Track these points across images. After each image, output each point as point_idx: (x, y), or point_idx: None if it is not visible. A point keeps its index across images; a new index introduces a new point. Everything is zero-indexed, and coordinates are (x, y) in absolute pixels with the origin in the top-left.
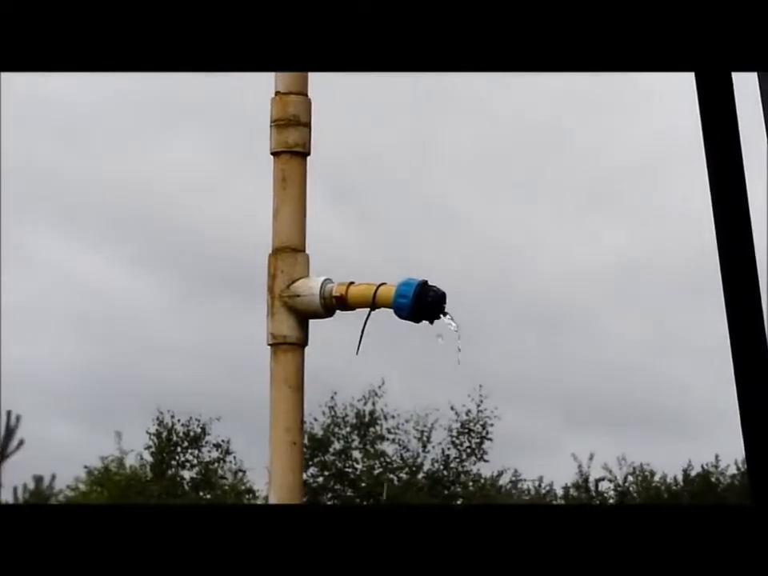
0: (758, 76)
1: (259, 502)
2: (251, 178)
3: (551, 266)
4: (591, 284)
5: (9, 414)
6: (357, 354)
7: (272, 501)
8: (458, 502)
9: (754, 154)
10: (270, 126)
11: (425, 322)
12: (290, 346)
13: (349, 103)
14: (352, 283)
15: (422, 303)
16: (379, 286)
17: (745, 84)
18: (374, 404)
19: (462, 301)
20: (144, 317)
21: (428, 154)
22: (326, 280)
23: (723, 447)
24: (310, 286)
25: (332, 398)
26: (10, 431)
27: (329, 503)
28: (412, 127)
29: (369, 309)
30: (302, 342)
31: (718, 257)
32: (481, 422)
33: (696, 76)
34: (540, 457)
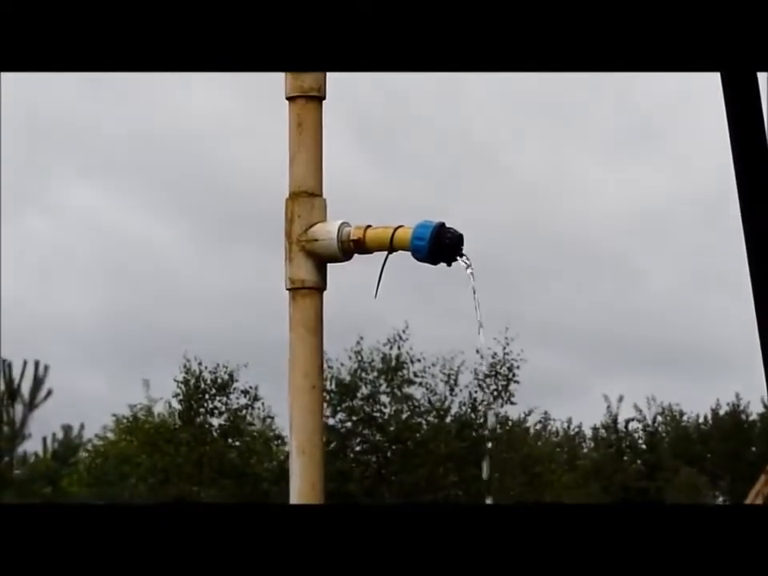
0: None
1: (287, 448)
2: (271, 123)
3: (583, 208)
4: (623, 226)
5: (37, 364)
6: (375, 297)
7: (292, 445)
8: (488, 445)
9: None
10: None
11: (442, 264)
12: (309, 291)
13: None
14: (369, 226)
15: (440, 245)
16: (396, 228)
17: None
18: (399, 348)
19: (491, 243)
20: (168, 264)
21: (456, 96)
22: (343, 223)
23: (752, 385)
24: (328, 230)
25: (358, 342)
26: (38, 381)
27: (325, 503)
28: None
29: (386, 252)
30: (321, 286)
31: (746, 255)
32: (507, 365)
33: (722, 76)
34: (569, 398)
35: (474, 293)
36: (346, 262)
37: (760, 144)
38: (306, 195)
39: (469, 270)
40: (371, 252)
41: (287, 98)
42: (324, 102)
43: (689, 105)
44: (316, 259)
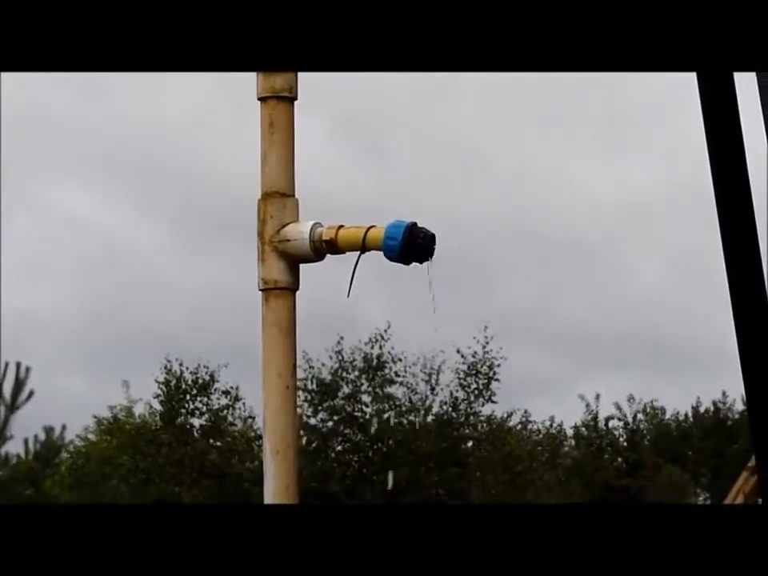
0: (757, 75)
1: None
2: (244, 123)
3: (566, 204)
4: (606, 222)
5: (18, 365)
6: (348, 297)
7: (266, 445)
8: (469, 444)
9: (751, 150)
10: (257, 72)
11: (415, 264)
12: (281, 291)
13: None
14: (341, 226)
15: (412, 245)
16: (369, 228)
17: (742, 82)
18: (380, 347)
19: (471, 239)
20: (146, 265)
21: (433, 92)
22: (315, 224)
23: (734, 383)
24: (300, 231)
25: (338, 342)
26: (19, 383)
27: (323, 504)
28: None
29: (359, 252)
30: (293, 287)
31: (722, 253)
32: (487, 363)
33: (698, 76)
34: (552, 396)
35: (431, 293)
36: (319, 263)
37: (736, 143)
38: (279, 196)
39: (429, 273)
40: (344, 252)
41: (259, 99)
42: (296, 102)
43: (675, 98)
44: (289, 260)
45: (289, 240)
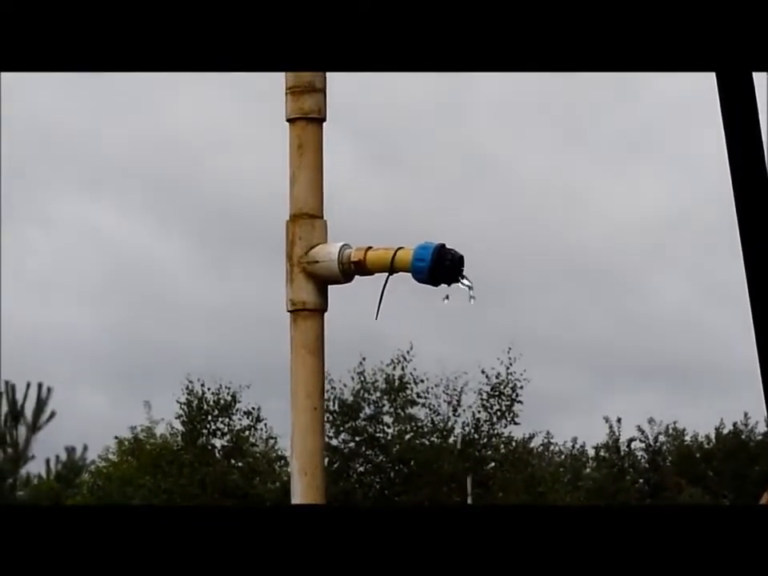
0: None
1: (290, 469)
2: (273, 144)
3: (588, 221)
4: (628, 240)
5: (40, 385)
6: (376, 318)
7: (294, 466)
8: (490, 465)
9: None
10: (285, 93)
11: (443, 285)
12: (310, 312)
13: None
14: (370, 248)
15: (440, 266)
16: (397, 250)
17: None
18: (403, 369)
19: (494, 258)
20: (170, 284)
21: (457, 111)
22: (344, 245)
23: (755, 404)
24: (329, 252)
25: (360, 363)
26: (41, 403)
27: (330, 504)
28: (440, 82)
29: (387, 273)
30: (322, 308)
31: (741, 249)
32: (510, 385)
33: (717, 76)
34: (574, 415)
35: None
36: (347, 284)
37: (755, 143)
38: (307, 217)
39: (469, 293)
40: (372, 274)
41: (287, 120)
42: (324, 123)
43: (697, 111)
44: (317, 281)
45: (317, 261)
